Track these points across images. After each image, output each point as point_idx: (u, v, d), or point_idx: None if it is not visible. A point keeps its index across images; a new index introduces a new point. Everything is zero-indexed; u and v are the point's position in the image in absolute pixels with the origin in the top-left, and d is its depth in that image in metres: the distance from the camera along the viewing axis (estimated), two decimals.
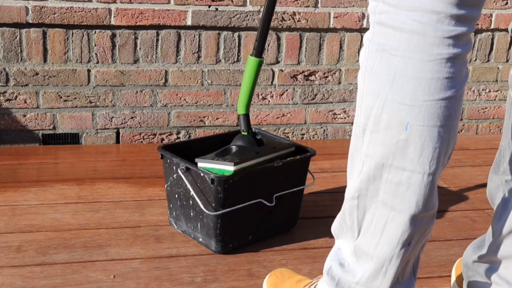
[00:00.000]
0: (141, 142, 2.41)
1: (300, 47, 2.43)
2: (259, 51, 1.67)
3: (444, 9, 0.97)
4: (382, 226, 1.09)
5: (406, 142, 1.03)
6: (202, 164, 1.60)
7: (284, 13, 2.36)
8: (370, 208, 1.10)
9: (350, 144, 1.13)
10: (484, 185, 2.11)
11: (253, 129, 1.86)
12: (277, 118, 2.49)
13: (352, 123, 2.57)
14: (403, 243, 1.09)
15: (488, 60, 2.61)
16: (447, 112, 1.02)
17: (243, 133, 1.72)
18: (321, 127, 2.55)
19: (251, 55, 1.67)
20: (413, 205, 1.06)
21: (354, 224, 1.13)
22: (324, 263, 1.51)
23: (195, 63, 2.36)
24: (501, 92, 2.66)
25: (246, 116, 1.71)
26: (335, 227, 1.21)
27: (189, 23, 2.30)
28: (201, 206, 1.54)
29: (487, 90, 2.65)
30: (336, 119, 2.55)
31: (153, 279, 1.48)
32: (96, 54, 2.27)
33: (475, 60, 2.59)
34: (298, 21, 2.38)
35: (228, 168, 1.55)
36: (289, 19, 2.37)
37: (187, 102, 2.39)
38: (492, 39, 2.58)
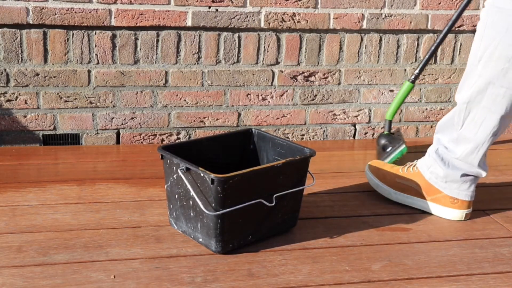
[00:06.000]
0: (141, 142, 2.41)
1: (300, 48, 2.43)
2: (414, 79, 2.24)
3: None
4: (481, 122, 1.72)
5: (508, 69, 1.64)
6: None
7: (284, 14, 2.36)
8: (473, 110, 1.73)
9: (465, 70, 1.74)
10: (483, 186, 2.11)
11: (253, 129, 1.86)
12: (277, 118, 2.49)
13: (351, 123, 2.58)
14: (493, 133, 1.73)
15: None
16: None
17: (385, 133, 2.32)
18: (321, 128, 2.56)
19: (407, 80, 2.26)
20: (504, 109, 1.69)
21: (460, 120, 1.76)
22: (323, 263, 1.56)
23: (195, 64, 2.36)
24: None
25: (390, 122, 2.32)
26: (441, 123, 1.84)
27: (189, 24, 2.30)
28: (201, 206, 1.54)
29: None
30: (336, 119, 2.56)
31: (153, 279, 1.48)
32: (96, 55, 2.27)
33: None
34: (298, 22, 2.38)
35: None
36: (289, 20, 2.38)
37: (187, 103, 2.40)
38: None
